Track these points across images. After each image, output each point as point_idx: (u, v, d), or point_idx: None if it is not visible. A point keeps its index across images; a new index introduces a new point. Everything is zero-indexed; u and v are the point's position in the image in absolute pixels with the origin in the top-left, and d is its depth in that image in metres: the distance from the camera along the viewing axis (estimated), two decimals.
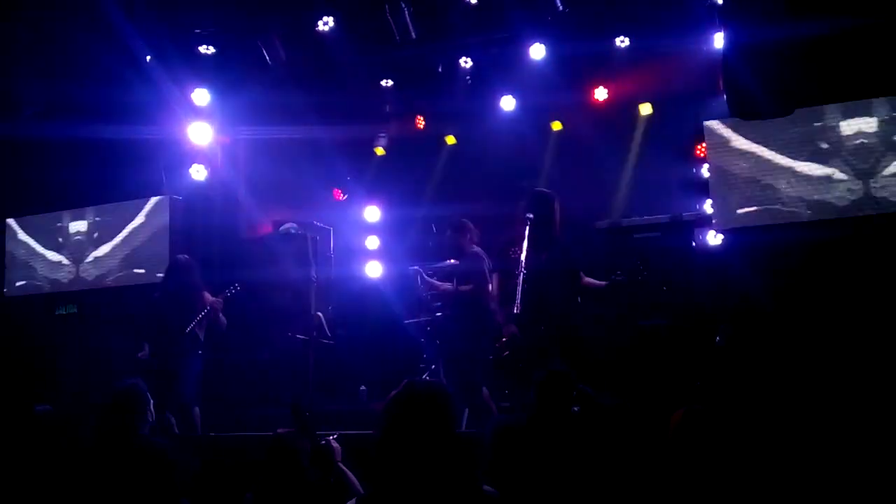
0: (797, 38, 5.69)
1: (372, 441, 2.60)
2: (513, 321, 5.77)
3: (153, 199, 9.26)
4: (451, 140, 9.98)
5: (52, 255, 9.76)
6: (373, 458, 2.56)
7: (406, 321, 7.96)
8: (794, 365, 5.38)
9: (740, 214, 7.81)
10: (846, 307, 5.75)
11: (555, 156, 9.33)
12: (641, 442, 3.70)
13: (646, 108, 9.09)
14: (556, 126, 9.50)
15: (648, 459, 3.27)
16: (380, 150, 10.24)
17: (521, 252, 5.63)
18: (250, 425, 6.67)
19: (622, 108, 9.15)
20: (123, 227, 9.35)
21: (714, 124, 8.05)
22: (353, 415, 6.92)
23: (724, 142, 7.98)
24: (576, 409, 4.02)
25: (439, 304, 8.02)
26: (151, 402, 4.42)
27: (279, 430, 4.11)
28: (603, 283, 6.06)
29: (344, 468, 3.82)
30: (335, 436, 4.01)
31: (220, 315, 6.86)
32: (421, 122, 9.76)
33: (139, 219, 9.30)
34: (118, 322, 8.18)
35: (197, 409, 6.66)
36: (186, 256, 7.17)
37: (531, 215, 5.85)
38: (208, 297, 6.85)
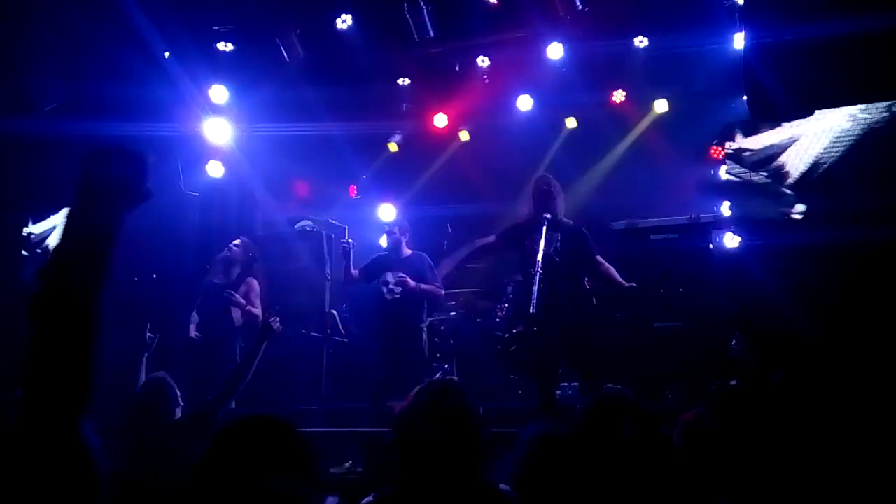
0: (818, 38, 5.64)
1: (389, 440, 2.59)
2: (524, 321, 5.74)
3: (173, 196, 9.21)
4: (464, 136, 9.97)
5: None
6: (391, 457, 2.55)
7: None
8: (813, 368, 5.33)
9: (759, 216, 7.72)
10: (866, 310, 5.67)
11: (571, 155, 9.31)
12: (659, 445, 3.65)
13: (661, 105, 9.04)
14: (571, 123, 9.47)
15: (666, 463, 3.23)
16: (393, 147, 10.24)
17: (539, 252, 5.60)
18: None
19: (640, 109, 9.11)
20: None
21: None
22: (366, 413, 6.92)
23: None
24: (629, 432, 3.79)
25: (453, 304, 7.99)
26: (178, 393, 4.45)
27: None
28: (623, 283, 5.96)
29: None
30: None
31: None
32: (444, 120, 9.72)
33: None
34: (132, 318, 8.17)
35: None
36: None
37: (548, 215, 5.81)
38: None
